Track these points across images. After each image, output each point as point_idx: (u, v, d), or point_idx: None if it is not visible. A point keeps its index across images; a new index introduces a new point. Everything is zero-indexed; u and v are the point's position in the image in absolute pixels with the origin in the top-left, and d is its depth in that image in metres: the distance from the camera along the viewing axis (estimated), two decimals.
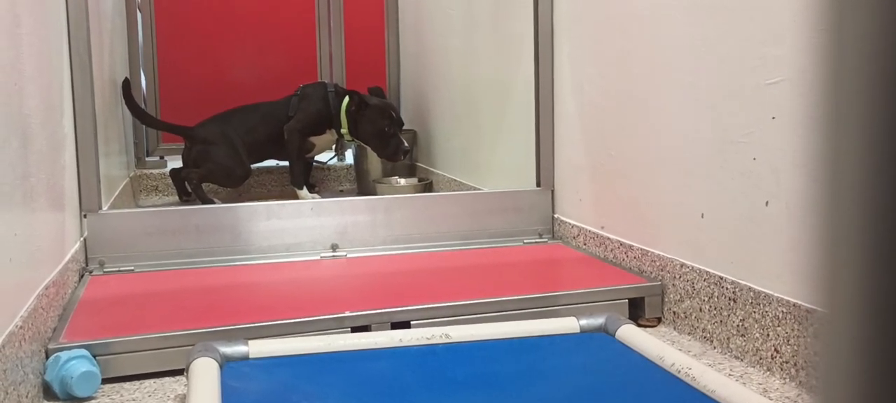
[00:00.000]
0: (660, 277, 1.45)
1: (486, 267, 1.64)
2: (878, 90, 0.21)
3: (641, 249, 1.52)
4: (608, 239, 1.65)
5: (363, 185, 3.00)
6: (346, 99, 2.61)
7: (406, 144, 2.58)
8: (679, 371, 1.04)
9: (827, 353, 0.22)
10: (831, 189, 0.22)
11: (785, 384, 1.13)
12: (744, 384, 1.13)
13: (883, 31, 0.21)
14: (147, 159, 3.06)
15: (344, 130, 2.63)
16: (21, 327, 1.02)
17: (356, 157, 3.04)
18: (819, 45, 0.23)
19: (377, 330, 1.28)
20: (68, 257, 1.44)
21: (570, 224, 1.83)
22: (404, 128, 2.74)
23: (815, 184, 0.23)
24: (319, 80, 3.06)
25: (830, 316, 0.22)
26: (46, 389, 1.12)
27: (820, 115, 0.23)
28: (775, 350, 1.16)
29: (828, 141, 0.22)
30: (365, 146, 2.70)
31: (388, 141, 2.56)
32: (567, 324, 1.23)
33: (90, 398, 1.12)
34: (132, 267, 1.63)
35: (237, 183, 2.65)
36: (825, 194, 0.22)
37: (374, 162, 2.86)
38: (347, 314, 1.29)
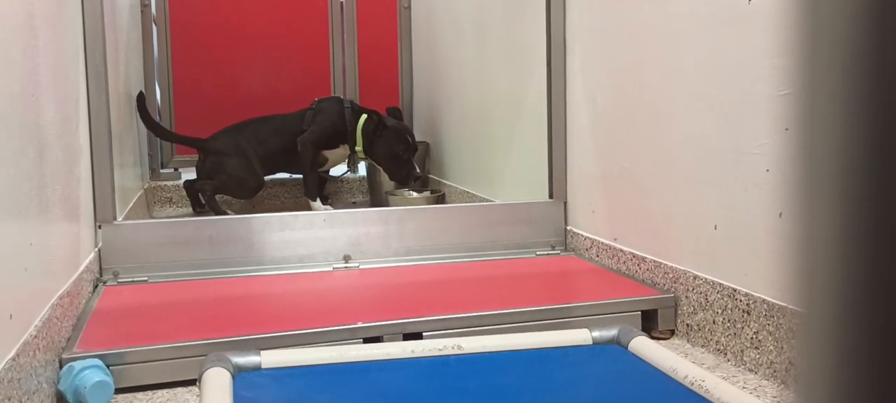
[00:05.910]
0: (673, 289, 1.44)
1: (499, 279, 1.63)
2: (852, 90, 0.21)
3: (654, 261, 1.51)
4: (621, 250, 1.64)
5: (376, 197, 3.01)
6: (364, 117, 2.62)
7: (418, 170, 2.59)
8: (692, 384, 1.04)
9: (805, 353, 0.22)
10: (807, 189, 0.22)
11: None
12: (758, 397, 1.12)
13: (857, 33, 0.21)
14: (161, 171, 3.08)
15: (358, 147, 2.64)
16: (35, 336, 1.03)
17: (369, 170, 3.05)
18: (794, 46, 0.23)
19: (389, 340, 1.27)
20: (83, 267, 1.45)
21: (582, 235, 1.83)
22: (417, 141, 2.75)
23: (792, 185, 0.23)
24: (335, 95, 3.07)
25: (808, 316, 0.22)
26: (60, 399, 1.13)
27: (795, 116, 0.23)
28: (790, 362, 1.15)
29: (803, 141, 0.22)
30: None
31: (402, 165, 2.58)
32: (580, 336, 1.22)
33: None
34: (146, 278, 1.64)
35: (250, 194, 2.67)
36: (801, 194, 0.22)
37: None
38: (360, 325, 1.29)
